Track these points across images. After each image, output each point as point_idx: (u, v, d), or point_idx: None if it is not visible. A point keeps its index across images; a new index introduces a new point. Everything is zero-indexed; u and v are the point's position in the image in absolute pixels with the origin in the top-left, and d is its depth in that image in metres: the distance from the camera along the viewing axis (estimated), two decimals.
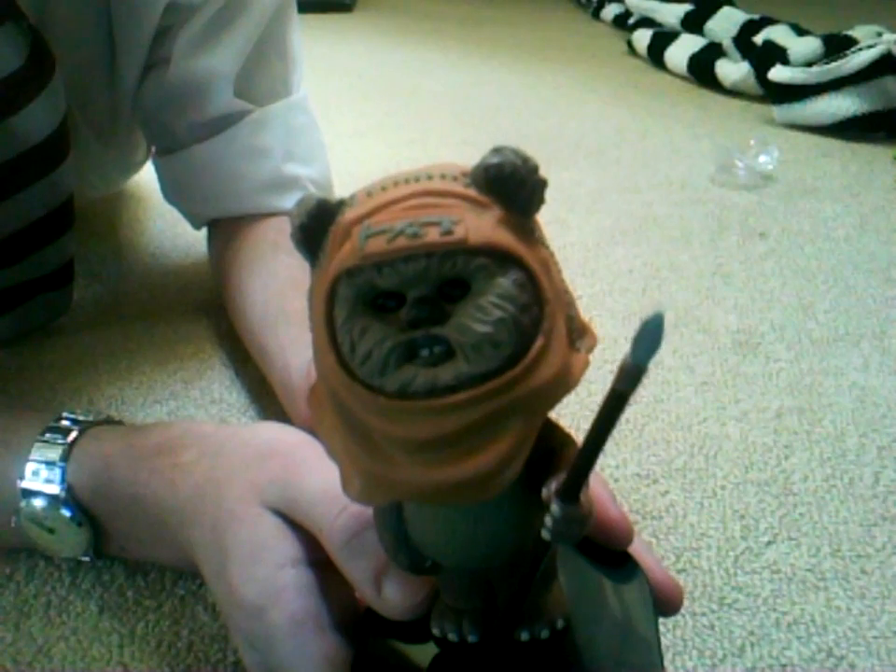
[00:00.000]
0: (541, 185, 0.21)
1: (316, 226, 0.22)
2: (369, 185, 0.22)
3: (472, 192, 0.21)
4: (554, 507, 0.22)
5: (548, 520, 0.22)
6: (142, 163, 0.79)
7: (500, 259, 0.21)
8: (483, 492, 0.22)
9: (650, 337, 0.18)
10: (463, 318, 0.21)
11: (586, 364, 0.22)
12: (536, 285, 0.21)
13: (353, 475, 0.23)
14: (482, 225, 0.21)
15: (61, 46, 0.53)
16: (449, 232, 0.20)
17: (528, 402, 0.21)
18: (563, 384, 0.22)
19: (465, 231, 0.20)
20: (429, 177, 0.22)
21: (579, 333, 0.23)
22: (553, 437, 0.24)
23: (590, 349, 0.23)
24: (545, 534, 0.22)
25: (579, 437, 0.25)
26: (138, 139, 0.72)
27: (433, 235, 0.20)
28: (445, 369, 0.21)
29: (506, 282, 0.21)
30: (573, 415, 0.54)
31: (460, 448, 0.21)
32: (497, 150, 0.21)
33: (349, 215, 0.22)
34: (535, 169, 0.21)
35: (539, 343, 0.21)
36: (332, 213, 0.22)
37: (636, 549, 0.31)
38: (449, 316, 0.21)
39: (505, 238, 0.21)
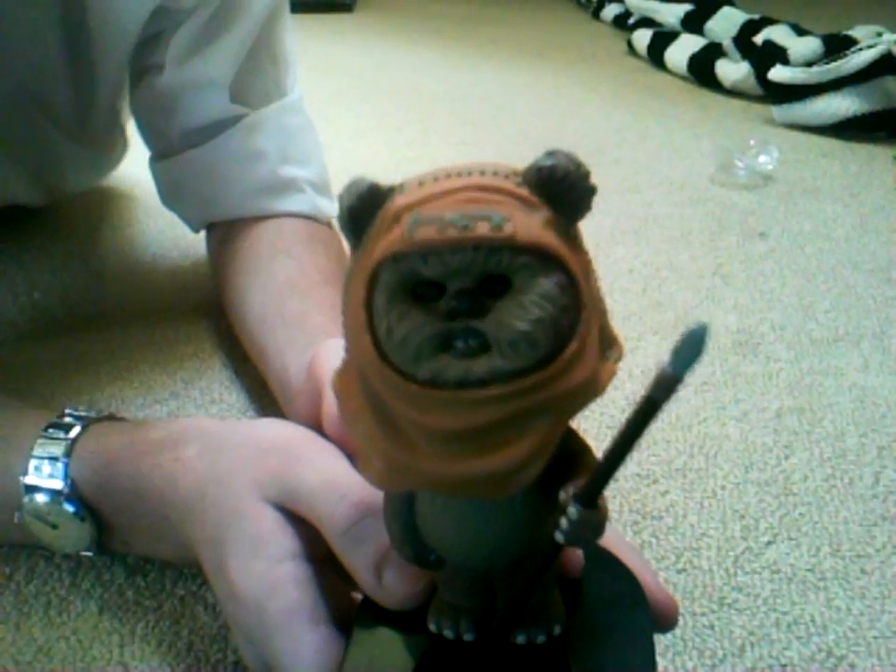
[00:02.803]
0: (591, 191, 0.22)
1: (365, 209, 0.22)
2: (420, 174, 0.22)
3: (523, 192, 0.21)
4: (572, 509, 0.22)
5: (564, 522, 0.22)
6: (119, 160, 0.79)
7: (545, 259, 0.21)
8: (503, 488, 0.22)
9: (691, 348, 0.18)
10: (502, 314, 0.21)
11: (613, 374, 0.23)
12: (576, 289, 0.21)
13: (374, 459, 0.23)
14: (530, 224, 0.21)
15: (13, 41, 0.53)
16: (498, 228, 0.20)
17: (557, 404, 0.21)
18: (591, 389, 0.22)
19: (514, 229, 0.20)
20: (482, 173, 0.22)
21: (608, 343, 0.23)
22: (570, 443, 0.24)
23: (618, 359, 0.23)
24: (559, 536, 0.22)
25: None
26: (115, 139, 0.72)
27: (483, 229, 0.20)
28: (479, 362, 0.21)
29: (548, 283, 0.21)
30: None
31: (485, 442, 0.21)
32: (551, 153, 0.21)
33: (399, 201, 0.22)
34: (586, 175, 0.21)
35: (573, 346, 0.21)
36: (382, 198, 0.22)
37: (633, 564, 0.31)
38: (488, 311, 0.21)
39: (551, 239, 0.21)
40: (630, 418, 0.20)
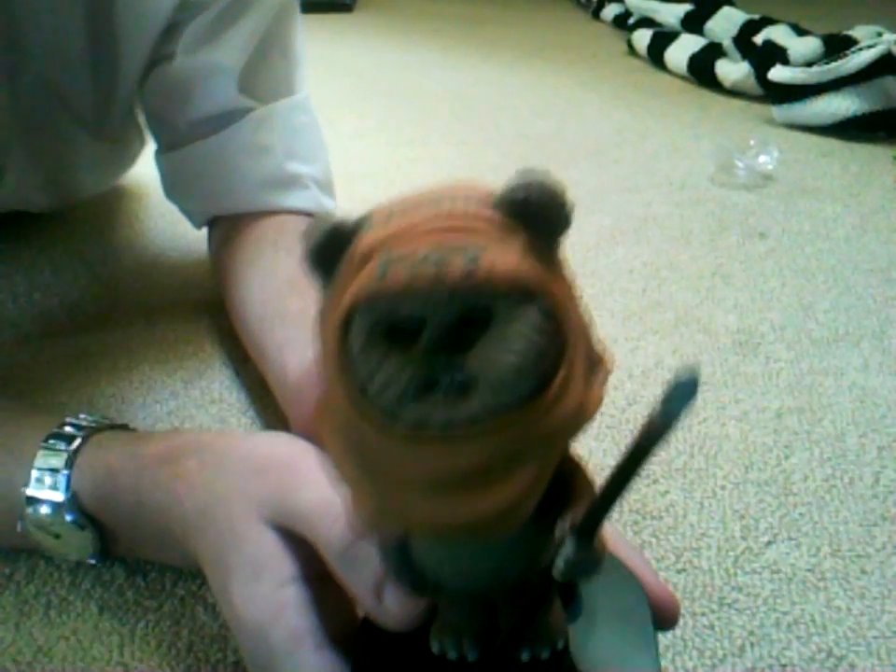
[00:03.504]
0: (569, 213, 0.21)
1: (331, 249, 0.21)
2: (387, 205, 0.21)
3: (497, 218, 0.20)
4: (570, 546, 0.22)
5: (561, 558, 0.22)
6: (135, 157, 0.79)
7: (526, 290, 0.20)
8: (497, 529, 0.22)
9: (684, 392, 0.18)
10: (486, 350, 0.20)
11: (600, 400, 0.22)
12: (559, 318, 0.21)
13: (362, 502, 0.23)
14: (507, 255, 0.20)
15: (37, 31, 0.53)
16: (474, 263, 0.19)
17: (546, 439, 0.21)
18: (581, 419, 0.21)
19: (490, 263, 0.20)
20: (453, 200, 0.21)
21: (594, 364, 0.22)
22: (563, 465, 0.23)
23: (604, 380, 0.22)
24: (556, 573, 0.22)
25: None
26: (133, 133, 0.72)
27: (458, 265, 0.19)
28: (464, 401, 0.20)
29: (531, 315, 0.20)
30: None
31: (475, 484, 0.21)
32: (524, 175, 0.20)
33: (368, 239, 0.21)
34: (563, 194, 0.20)
35: (559, 378, 0.20)
36: (349, 235, 0.21)
37: (633, 563, 0.31)
38: (471, 347, 0.20)
39: (531, 270, 0.20)
40: (624, 457, 0.20)
